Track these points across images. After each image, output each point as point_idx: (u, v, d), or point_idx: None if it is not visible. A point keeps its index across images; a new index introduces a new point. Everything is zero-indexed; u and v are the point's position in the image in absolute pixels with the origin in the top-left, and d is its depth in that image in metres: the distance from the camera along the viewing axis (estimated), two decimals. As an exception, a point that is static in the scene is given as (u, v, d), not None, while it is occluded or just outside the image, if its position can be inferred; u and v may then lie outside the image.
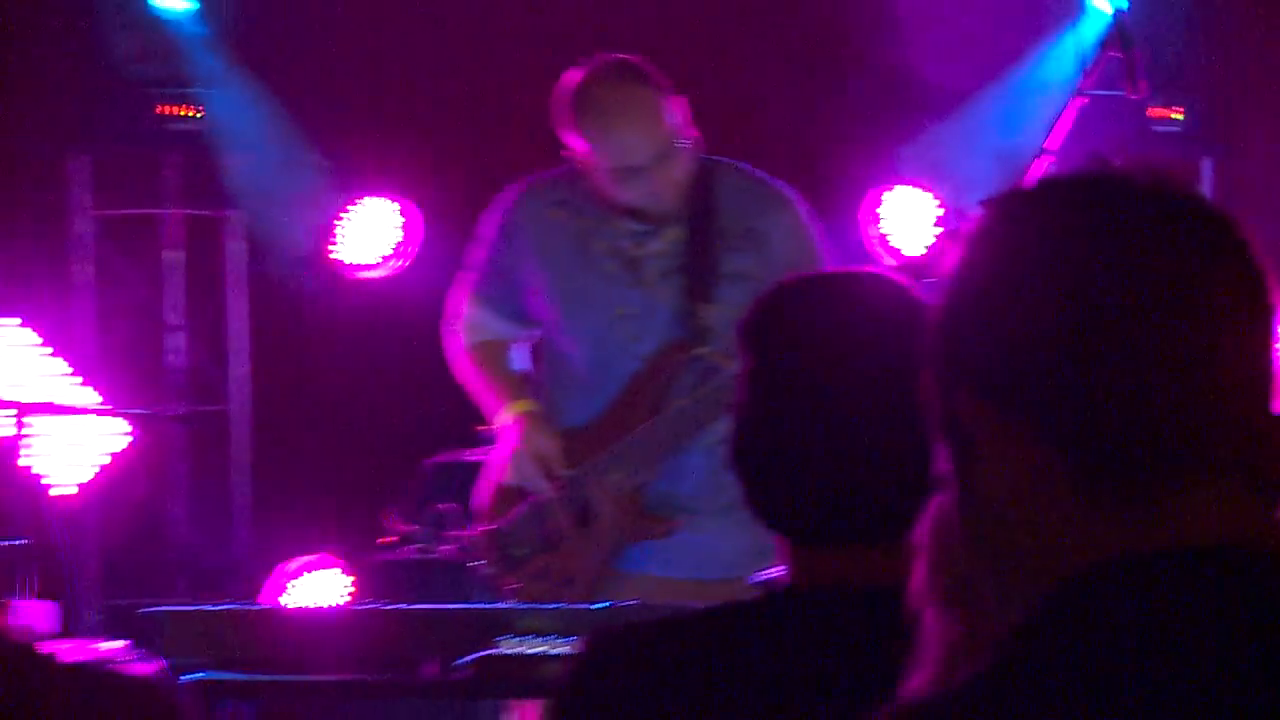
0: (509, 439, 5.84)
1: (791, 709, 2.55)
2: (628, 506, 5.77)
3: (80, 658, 5.83)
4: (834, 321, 2.78)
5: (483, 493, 6.02)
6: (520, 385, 5.99)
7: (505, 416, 5.86)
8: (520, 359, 6.08)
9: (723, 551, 5.59)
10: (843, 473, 2.67)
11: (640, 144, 5.67)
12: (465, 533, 5.99)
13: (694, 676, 2.66)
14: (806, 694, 2.56)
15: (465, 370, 6.03)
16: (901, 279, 2.81)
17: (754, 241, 5.78)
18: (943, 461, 1.81)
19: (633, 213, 5.76)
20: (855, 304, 2.81)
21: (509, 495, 5.92)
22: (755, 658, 2.65)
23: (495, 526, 5.93)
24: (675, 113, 5.72)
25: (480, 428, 7.84)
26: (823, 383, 2.71)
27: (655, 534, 5.75)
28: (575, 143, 5.71)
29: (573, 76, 5.78)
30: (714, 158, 5.88)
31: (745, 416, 2.80)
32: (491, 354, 6.02)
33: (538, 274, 5.90)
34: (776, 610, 2.74)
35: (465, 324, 6.03)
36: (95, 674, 2.41)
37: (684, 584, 5.64)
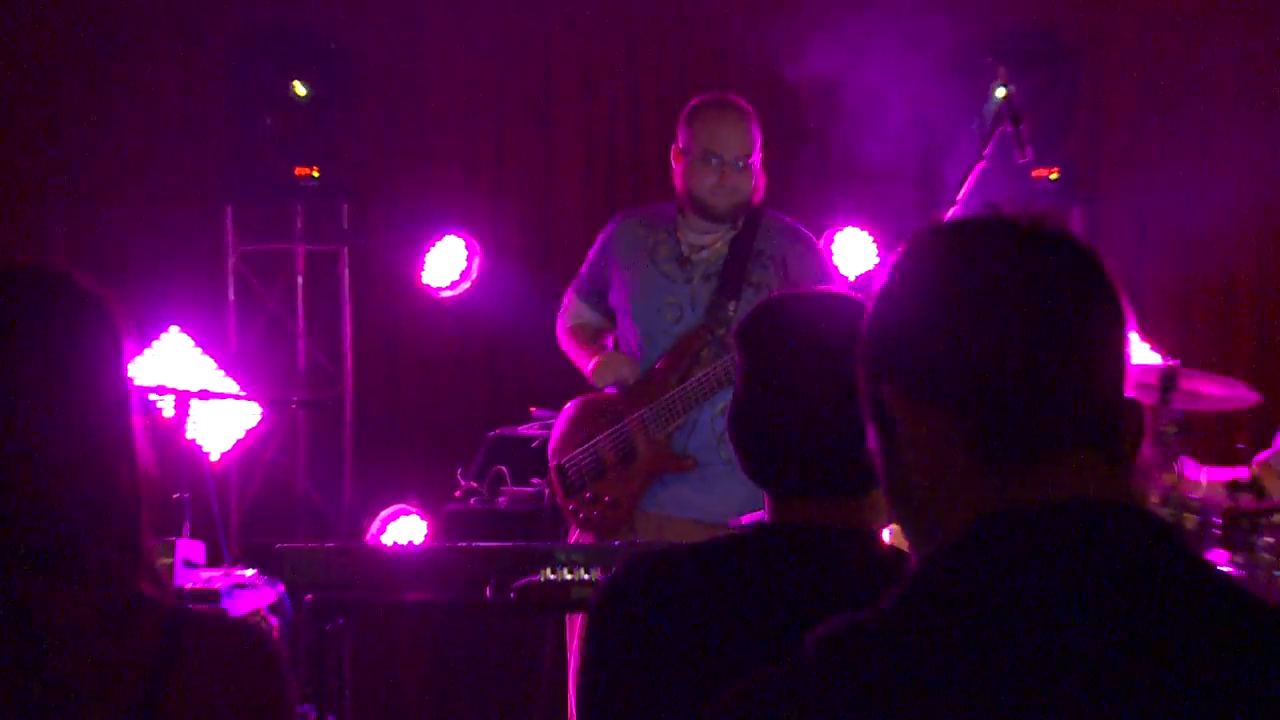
0: (591, 371, 6.08)
1: (772, 619, 2.55)
2: (659, 449, 5.84)
3: (220, 587, 5.87)
4: (803, 327, 2.81)
5: (560, 434, 6.13)
6: (603, 344, 6.19)
7: (592, 364, 6.06)
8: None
9: (722, 500, 5.65)
10: (811, 442, 2.70)
11: (733, 141, 5.87)
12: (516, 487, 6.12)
13: (697, 594, 2.68)
14: (784, 608, 2.58)
15: (566, 342, 6.27)
16: (856, 295, 2.84)
17: (777, 263, 5.91)
18: (871, 438, 1.80)
19: (702, 208, 5.90)
20: (819, 314, 2.83)
21: (576, 438, 6.01)
22: (745, 580, 2.66)
23: (560, 462, 6.04)
24: (758, 144, 5.90)
25: (532, 408, 7.86)
26: (795, 374, 2.74)
27: (678, 468, 5.84)
28: (681, 140, 5.93)
29: (702, 96, 6.08)
30: (764, 206, 6.00)
31: (739, 400, 2.84)
32: (586, 331, 6.23)
33: (619, 274, 6.03)
34: (763, 544, 2.74)
35: (569, 312, 6.28)
36: (203, 615, 2.37)
37: (692, 524, 5.71)
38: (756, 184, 5.92)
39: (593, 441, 5.94)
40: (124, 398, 2.33)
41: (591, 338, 6.19)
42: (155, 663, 2.19)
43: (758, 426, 2.78)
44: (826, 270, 6.11)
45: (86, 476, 2.26)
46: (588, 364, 6.06)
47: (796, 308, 2.91)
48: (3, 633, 2.18)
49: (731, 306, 5.83)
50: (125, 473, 2.29)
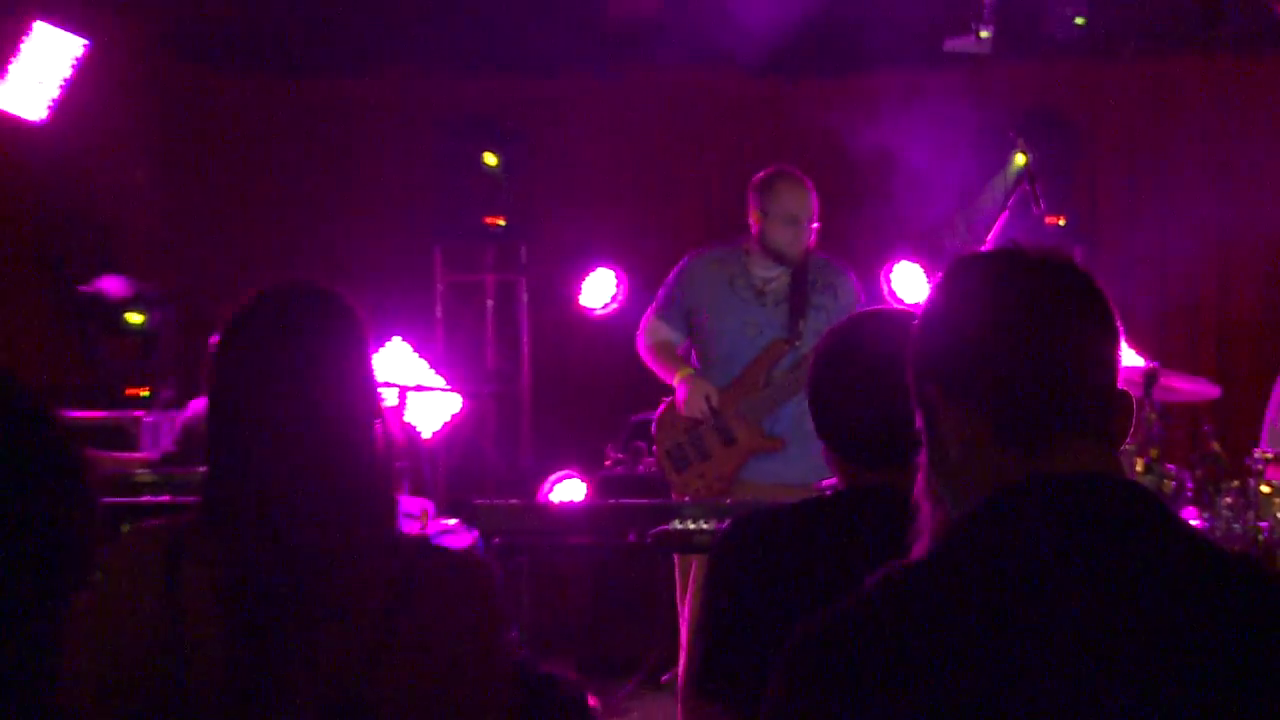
0: (680, 391, 5.87)
1: (853, 561, 2.50)
2: (754, 432, 5.77)
3: (430, 533, 5.91)
4: (870, 334, 2.78)
5: (660, 427, 6.01)
6: (684, 362, 6.00)
7: (678, 378, 5.90)
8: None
9: (802, 467, 5.55)
10: (877, 422, 2.65)
11: (803, 205, 5.83)
12: (652, 458, 6.08)
13: (797, 542, 2.68)
14: (858, 556, 2.53)
15: (648, 357, 6.08)
16: (909, 313, 2.80)
17: (830, 291, 5.88)
18: (918, 423, 1.79)
19: (774, 252, 5.84)
20: (883, 326, 2.79)
21: (678, 428, 5.91)
22: (829, 533, 2.66)
23: (667, 446, 5.94)
24: (815, 206, 5.88)
25: (664, 398, 7.85)
26: (865, 369, 2.70)
27: (771, 449, 5.76)
28: (761, 202, 5.87)
29: (770, 169, 5.99)
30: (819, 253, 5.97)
31: (824, 392, 2.80)
32: (666, 348, 6.04)
33: (698, 302, 5.94)
34: (845, 502, 2.73)
35: (649, 329, 6.09)
36: (436, 548, 2.38)
37: (779, 487, 5.56)
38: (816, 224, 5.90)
39: (698, 429, 5.86)
40: (376, 384, 2.36)
41: (671, 352, 6.04)
42: (397, 584, 2.20)
43: (839, 412, 2.75)
44: (858, 290, 6.01)
45: (363, 441, 2.28)
46: (673, 377, 5.93)
47: (864, 321, 2.89)
48: (280, 565, 2.20)
49: (801, 324, 5.78)
50: (382, 440, 2.31)
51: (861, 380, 2.71)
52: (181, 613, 2.18)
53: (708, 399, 5.80)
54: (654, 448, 6.04)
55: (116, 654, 2.18)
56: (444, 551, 2.46)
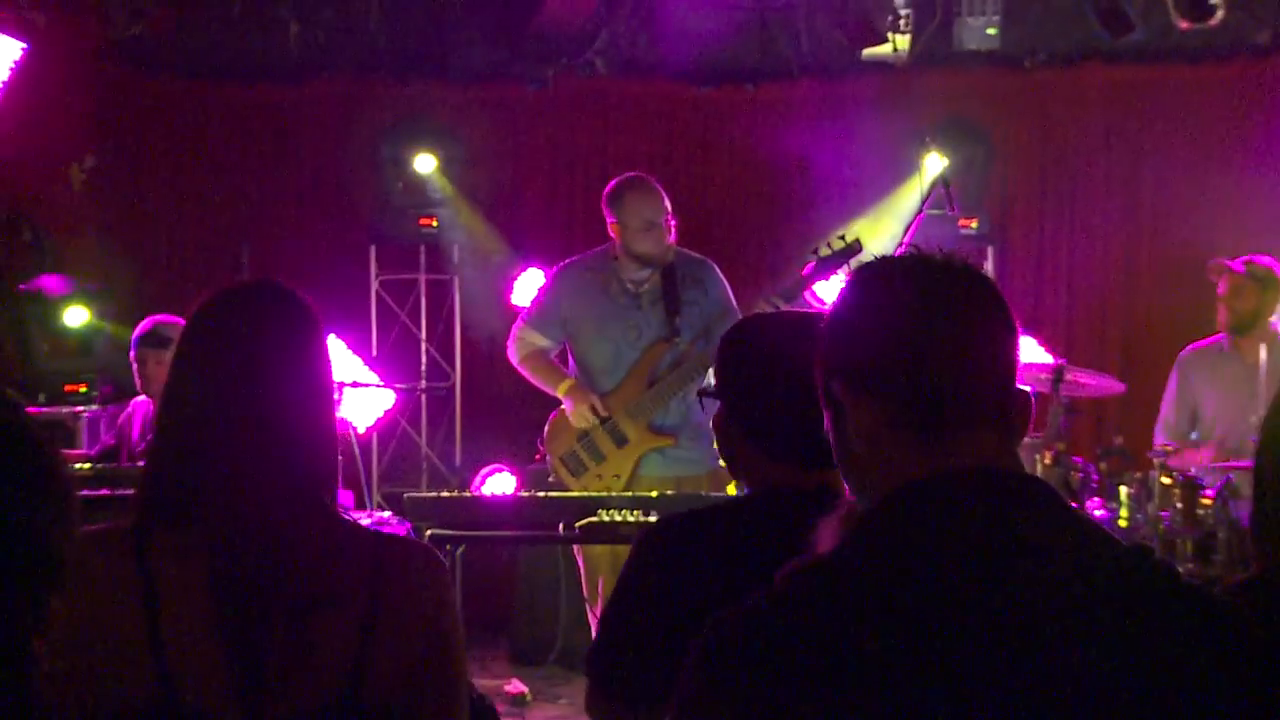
0: (567, 404, 5.89)
1: (768, 559, 2.46)
2: (644, 431, 5.80)
3: (371, 525, 5.85)
4: (787, 337, 2.72)
5: (550, 439, 6.03)
6: (562, 372, 6.03)
7: (561, 391, 5.93)
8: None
9: (691, 457, 5.76)
10: (810, 423, 2.60)
11: (656, 208, 5.82)
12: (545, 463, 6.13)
13: (713, 539, 2.66)
14: (779, 550, 2.48)
15: (524, 368, 6.11)
16: (808, 313, 2.80)
17: (700, 286, 5.89)
18: (826, 420, 1.78)
19: (640, 258, 5.85)
20: (794, 327, 2.75)
21: (569, 435, 5.94)
22: (751, 530, 2.62)
23: (561, 455, 5.97)
24: (668, 204, 5.87)
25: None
26: (787, 371, 2.58)
27: (661, 444, 5.80)
28: (617, 214, 5.88)
29: (617, 181, 6.01)
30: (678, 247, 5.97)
31: (742, 392, 2.76)
32: (541, 356, 6.08)
33: (572, 309, 5.97)
34: (763, 504, 2.69)
35: (521, 341, 6.10)
36: (394, 537, 2.39)
37: (682, 477, 5.74)
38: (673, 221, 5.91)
39: (588, 436, 5.87)
40: (332, 380, 2.35)
41: (548, 362, 6.06)
42: (373, 578, 2.19)
43: (772, 415, 2.69)
44: (722, 284, 6.00)
45: (315, 432, 2.26)
46: (555, 389, 5.95)
47: (768, 323, 2.88)
48: (263, 553, 2.17)
49: (677, 321, 5.80)
50: (333, 430, 2.30)
51: (783, 379, 2.65)
52: (160, 610, 2.13)
53: (593, 409, 5.84)
54: (546, 458, 6.05)
55: (96, 658, 2.13)
56: (405, 539, 2.47)
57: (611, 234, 5.92)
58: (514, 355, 6.12)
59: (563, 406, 5.96)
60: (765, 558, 2.39)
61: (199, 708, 2.12)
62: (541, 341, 6.05)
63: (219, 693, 2.12)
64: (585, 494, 5.59)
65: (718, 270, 6.04)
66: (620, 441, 5.85)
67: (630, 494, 5.60)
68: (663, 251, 5.84)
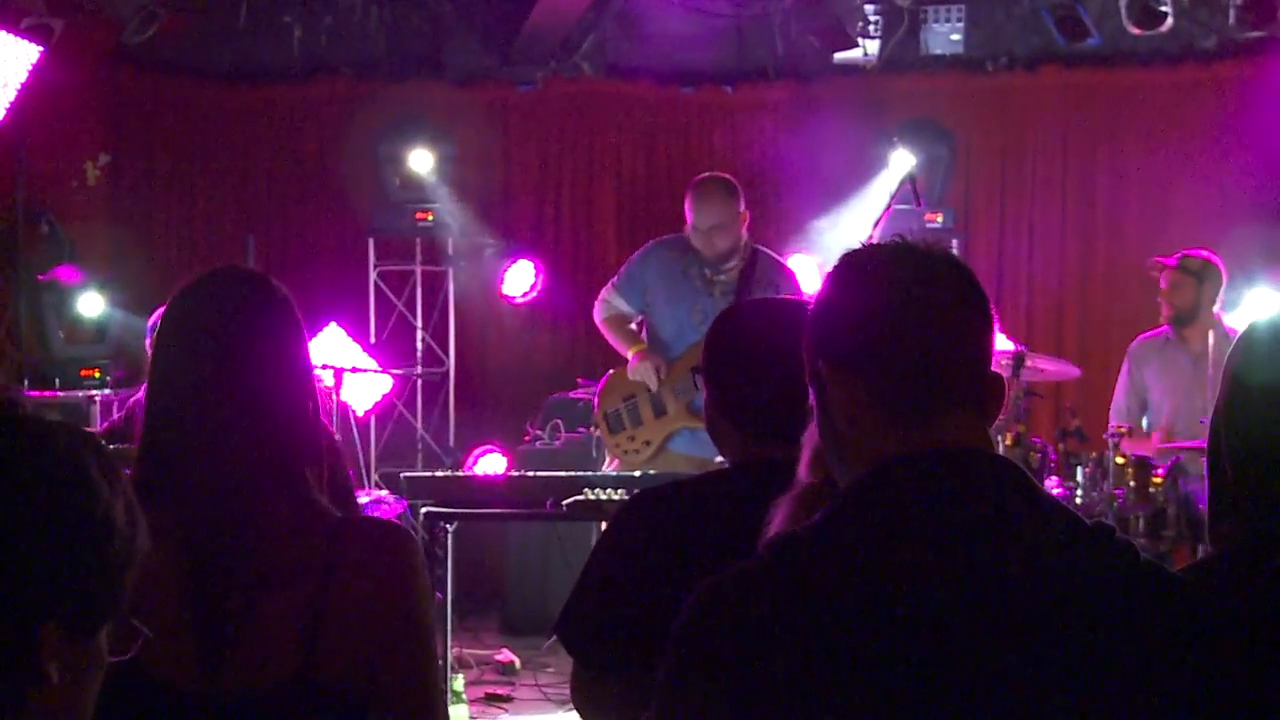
0: (634, 361, 5.98)
1: (745, 535, 2.44)
2: (683, 408, 5.86)
3: (363, 502, 5.85)
4: (764, 319, 2.76)
5: (603, 393, 6.12)
6: (637, 336, 6.12)
7: (632, 351, 6.01)
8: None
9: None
10: (775, 399, 2.60)
11: (712, 214, 5.88)
12: (575, 434, 6.15)
13: (691, 513, 2.62)
14: (753, 526, 2.46)
15: (605, 328, 6.21)
16: (792, 301, 2.85)
17: (772, 287, 5.86)
18: (811, 398, 1.78)
19: (698, 255, 5.94)
20: (773, 312, 2.78)
21: (617, 396, 6.03)
22: (725, 501, 2.59)
23: (606, 410, 6.08)
24: (738, 206, 5.91)
25: (579, 379, 7.83)
26: (762, 351, 2.65)
27: (694, 425, 5.79)
28: (687, 211, 5.94)
29: (695, 180, 6.06)
30: (760, 245, 6.10)
31: (718, 368, 2.76)
32: (621, 321, 6.16)
33: (653, 283, 6.04)
34: (739, 477, 2.69)
35: (607, 303, 6.19)
36: (363, 526, 2.32)
37: (696, 460, 5.71)
38: (740, 230, 5.90)
39: (634, 399, 5.96)
40: (309, 364, 2.30)
41: (625, 326, 6.14)
42: (325, 562, 2.14)
43: (741, 390, 2.69)
44: (796, 288, 6.03)
45: (289, 411, 2.22)
46: (627, 349, 6.03)
47: (758, 308, 2.89)
48: (226, 530, 2.14)
49: None
50: (312, 415, 2.25)
51: (761, 361, 2.65)
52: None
53: (657, 371, 5.90)
54: (580, 427, 6.09)
55: None
56: (375, 523, 2.41)
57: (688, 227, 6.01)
58: (598, 315, 6.23)
59: (621, 368, 6.07)
60: (737, 528, 2.40)
61: (164, 678, 2.10)
62: (624, 307, 6.16)
63: (182, 664, 2.10)
64: (571, 474, 5.63)
65: (789, 271, 6.14)
66: (659, 412, 5.94)
67: (614, 474, 5.64)
68: (713, 254, 5.90)
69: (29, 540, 1.39)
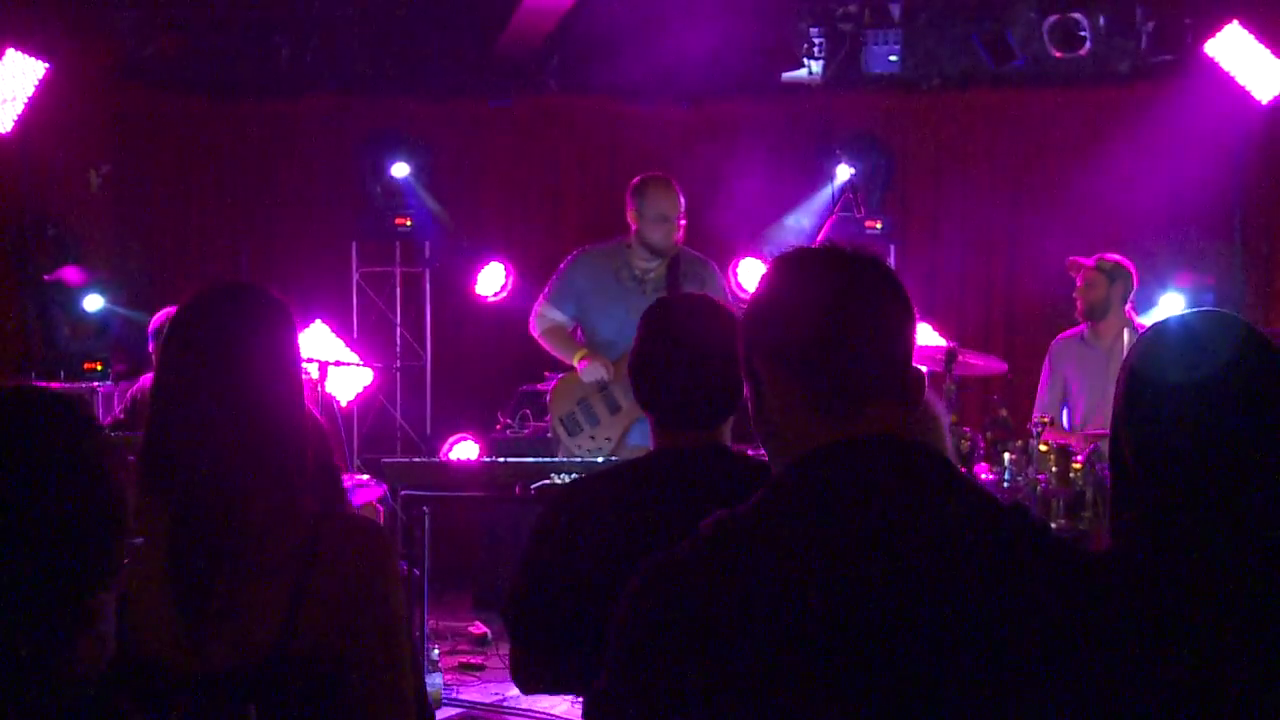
0: (582, 365, 5.85)
1: (661, 511, 2.41)
2: (635, 403, 5.74)
3: (346, 486, 5.80)
4: (683, 316, 2.72)
5: (554, 401, 6.00)
6: (577, 343, 6.00)
7: (577, 357, 5.88)
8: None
9: None
10: (691, 389, 2.60)
11: (672, 205, 5.80)
12: (536, 423, 6.07)
13: (618, 497, 2.61)
14: (671, 504, 2.44)
15: (544, 341, 6.06)
16: (711, 299, 2.79)
17: (698, 281, 5.84)
18: (746, 391, 1.77)
19: (650, 246, 5.83)
20: (692, 310, 2.74)
21: (570, 399, 5.91)
22: (647, 486, 2.59)
23: (560, 415, 5.95)
24: (682, 204, 5.86)
25: (545, 372, 7.83)
26: (682, 345, 2.64)
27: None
28: (637, 204, 5.84)
29: (642, 176, 5.95)
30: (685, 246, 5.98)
31: (643, 359, 2.72)
32: (559, 331, 6.03)
33: (584, 288, 5.95)
34: (657, 463, 2.67)
35: (542, 315, 6.06)
36: (338, 515, 2.35)
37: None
38: (680, 227, 5.88)
39: (587, 400, 5.86)
40: (299, 367, 2.32)
41: (565, 335, 6.01)
42: (307, 553, 2.15)
43: (661, 382, 2.66)
44: (721, 281, 6.06)
45: (280, 411, 2.23)
46: (571, 356, 5.91)
47: (677, 308, 2.80)
48: (214, 519, 2.16)
49: None
50: (300, 413, 2.27)
51: (680, 354, 2.63)
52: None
53: (606, 369, 5.82)
54: (547, 417, 6.02)
55: None
56: (351, 518, 2.42)
57: (630, 221, 5.90)
58: (535, 329, 6.09)
59: (564, 374, 5.97)
60: (658, 510, 2.39)
61: (150, 656, 2.12)
62: (559, 317, 6.03)
63: (168, 643, 2.12)
64: (538, 460, 5.60)
65: (718, 272, 6.08)
66: (614, 409, 5.83)
67: (579, 460, 5.61)
68: (670, 245, 5.83)
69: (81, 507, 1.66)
